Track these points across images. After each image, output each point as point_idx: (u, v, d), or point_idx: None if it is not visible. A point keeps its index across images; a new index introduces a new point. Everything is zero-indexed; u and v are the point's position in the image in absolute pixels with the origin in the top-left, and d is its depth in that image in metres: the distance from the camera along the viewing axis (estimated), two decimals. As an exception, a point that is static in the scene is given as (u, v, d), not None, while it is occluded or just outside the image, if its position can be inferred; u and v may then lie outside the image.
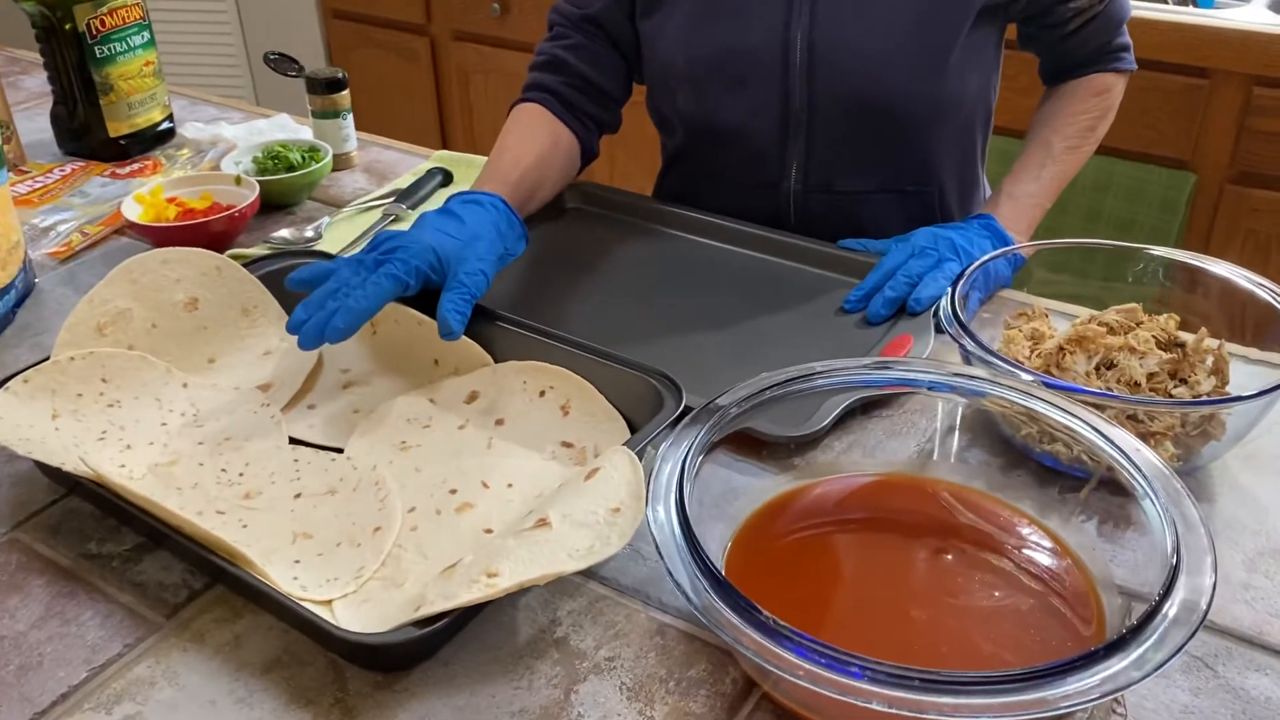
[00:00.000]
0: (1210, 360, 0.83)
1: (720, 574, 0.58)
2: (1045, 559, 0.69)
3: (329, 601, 0.68)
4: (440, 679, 0.65)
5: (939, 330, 0.91)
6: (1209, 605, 0.57)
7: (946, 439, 0.82)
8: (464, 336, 0.86)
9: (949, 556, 0.69)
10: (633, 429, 0.81)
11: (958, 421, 0.82)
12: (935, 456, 0.81)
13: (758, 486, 0.76)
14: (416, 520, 0.74)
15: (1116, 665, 0.52)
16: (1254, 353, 0.86)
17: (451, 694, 0.64)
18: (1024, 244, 0.96)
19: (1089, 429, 0.69)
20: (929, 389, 0.76)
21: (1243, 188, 1.86)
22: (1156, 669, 0.52)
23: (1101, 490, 0.73)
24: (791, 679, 0.53)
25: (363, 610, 0.67)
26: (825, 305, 1.02)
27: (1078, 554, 0.70)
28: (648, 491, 0.65)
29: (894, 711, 0.51)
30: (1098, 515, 0.74)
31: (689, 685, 0.64)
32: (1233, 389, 0.82)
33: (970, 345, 0.79)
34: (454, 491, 0.77)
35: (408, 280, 0.86)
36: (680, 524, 0.61)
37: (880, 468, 0.80)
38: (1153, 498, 0.64)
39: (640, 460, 0.70)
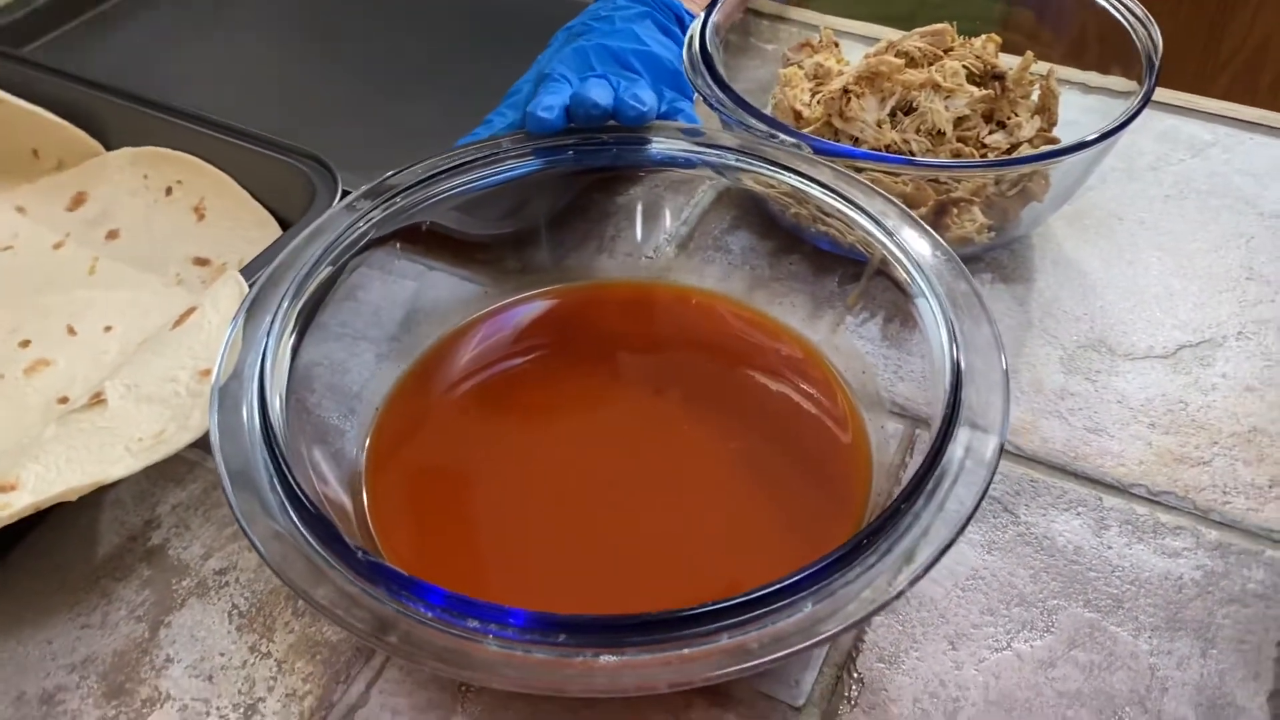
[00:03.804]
0: (1037, 93, 0.65)
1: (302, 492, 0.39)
2: (801, 387, 0.53)
3: None
4: (-24, 623, 0.47)
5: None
6: (996, 459, 0.41)
7: (703, 223, 0.63)
8: (61, 120, 0.64)
9: (676, 395, 0.52)
10: (283, 237, 0.60)
11: (716, 201, 0.63)
12: (690, 246, 0.63)
13: (451, 304, 0.57)
14: (-31, 389, 0.54)
15: (853, 586, 0.36)
16: (1094, 78, 0.68)
17: (-11, 645, 0.46)
18: None
19: (857, 211, 0.51)
20: (667, 166, 0.56)
21: None
22: (915, 580, 0.37)
23: (884, 279, 0.56)
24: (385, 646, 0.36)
25: None
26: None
27: (844, 375, 0.53)
28: (237, 336, 0.45)
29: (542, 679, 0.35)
30: (883, 310, 0.57)
31: (324, 602, 0.47)
32: (1062, 130, 0.65)
33: (717, 101, 0.59)
34: (26, 344, 0.56)
35: None
36: (258, 395, 0.42)
37: (620, 268, 0.61)
38: (928, 295, 0.47)
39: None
